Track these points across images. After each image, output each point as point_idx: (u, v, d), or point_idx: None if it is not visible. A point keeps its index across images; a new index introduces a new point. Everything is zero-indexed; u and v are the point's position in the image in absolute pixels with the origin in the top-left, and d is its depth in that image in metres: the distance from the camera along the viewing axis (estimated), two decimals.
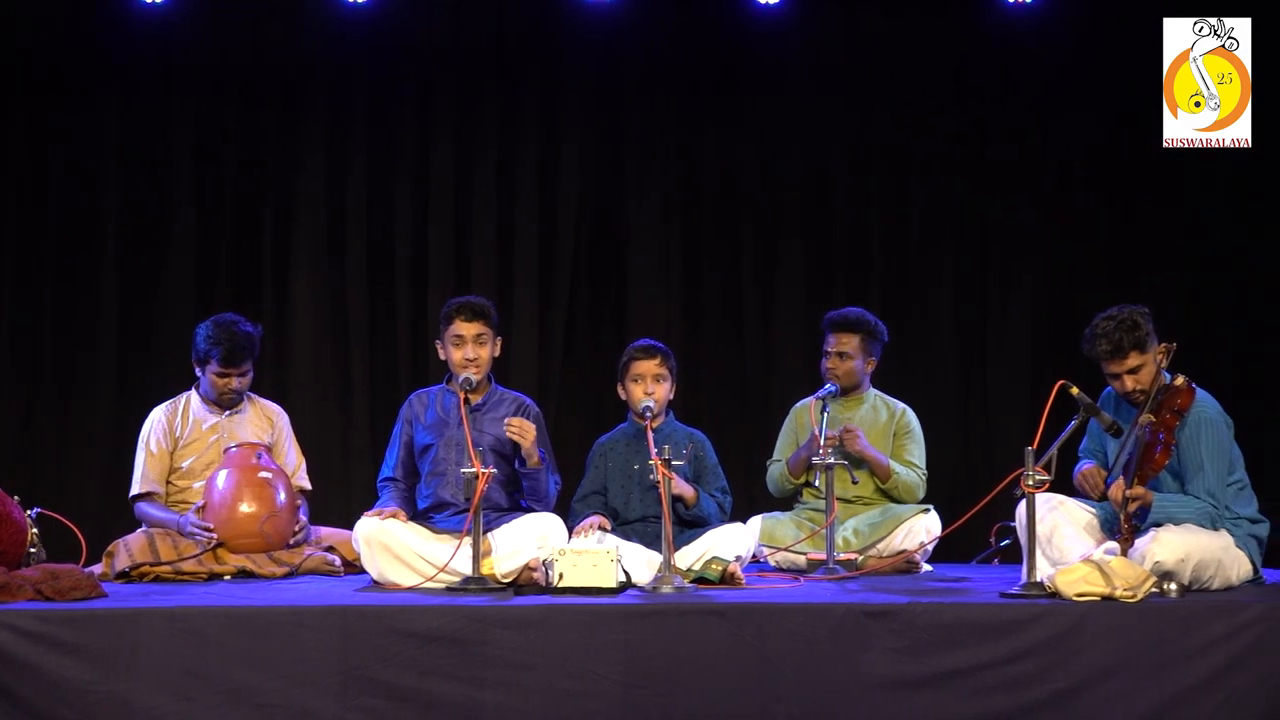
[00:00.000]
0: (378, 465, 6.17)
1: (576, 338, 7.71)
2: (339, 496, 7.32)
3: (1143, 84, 7.29)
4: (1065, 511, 5.55)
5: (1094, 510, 5.59)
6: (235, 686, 4.73)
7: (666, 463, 5.28)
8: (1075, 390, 5.34)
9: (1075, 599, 4.97)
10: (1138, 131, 7.47)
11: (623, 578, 5.28)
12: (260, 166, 7.62)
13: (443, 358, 5.96)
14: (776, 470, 6.47)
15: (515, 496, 5.88)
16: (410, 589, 5.39)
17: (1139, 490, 5.26)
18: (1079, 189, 7.74)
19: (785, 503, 6.56)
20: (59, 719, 4.69)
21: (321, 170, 7.61)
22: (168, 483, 6.24)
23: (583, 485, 6.07)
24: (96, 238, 7.50)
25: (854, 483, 6.17)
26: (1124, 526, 5.25)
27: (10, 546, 5.51)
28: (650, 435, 5.60)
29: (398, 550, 5.54)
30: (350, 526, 5.82)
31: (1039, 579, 5.14)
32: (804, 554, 6.06)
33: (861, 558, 6.11)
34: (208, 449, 6.24)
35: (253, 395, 6.43)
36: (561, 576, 5.20)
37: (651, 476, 5.36)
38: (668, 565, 5.24)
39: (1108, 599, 4.96)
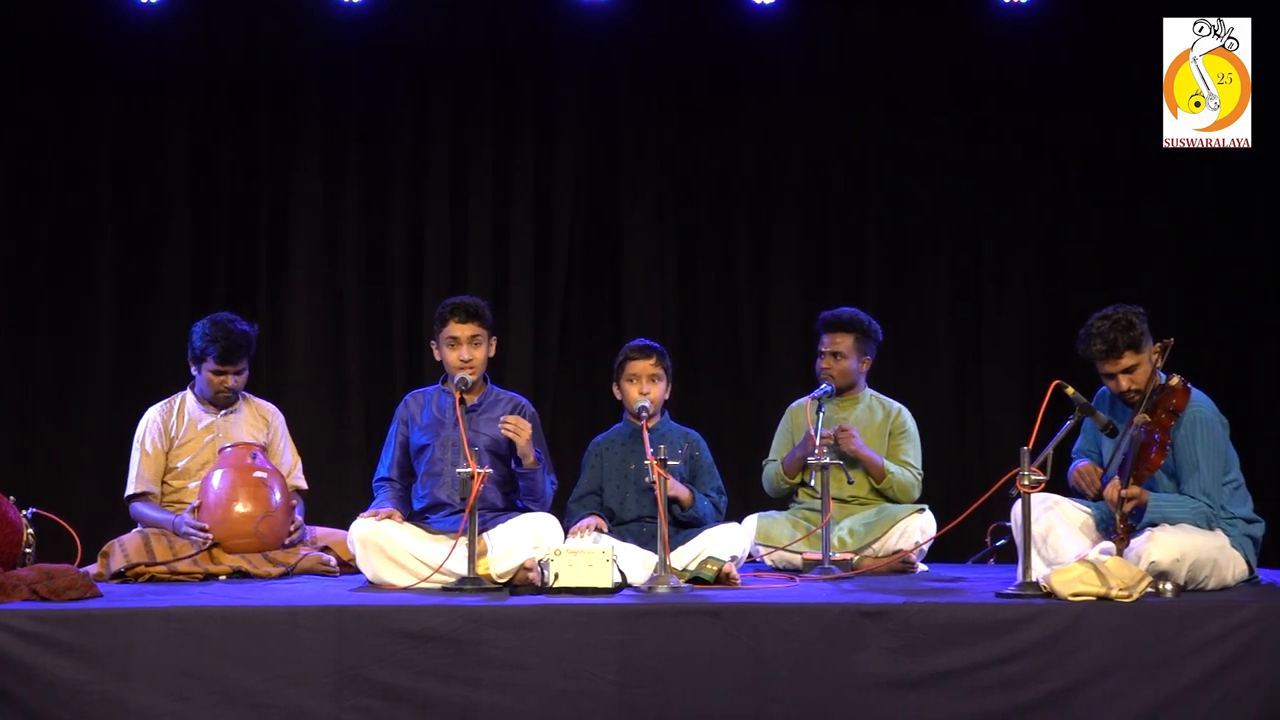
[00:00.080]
0: (373, 465, 6.17)
1: (572, 337, 7.71)
2: (334, 496, 7.30)
3: (1141, 84, 7.30)
4: (1060, 511, 5.55)
5: (1089, 510, 5.59)
6: (230, 686, 4.73)
7: (662, 463, 5.28)
8: (1070, 390, 5.34)
9: (1071, 599, 4.97)
10: (1134, 131, 7.48)
11: (618, 578, 5.28)
12: (255, 166, 7.61)
13: (438, 358, 5.96)
14: (772, 470, 6.47)
15: (511, 497, 5.88)
16: (406, 589, 5.39)
17: (1134, 490, 5.27)
18: (1074, 189, 7.75)
19: (781, 502, 6.56)
20: (54, 719, 4.68)
21: (317, 170, 7.61)
22: (163, 483, 6.23)
23: (578, 485, 6.07)
24: (91, 238, 7.49)
25: (849, 482, 6.18)
26: (1119, 526, 5.25)
27: (5, 546, 5.50)
28: (646, 435, 5.60)
29: (393, 551, 5.54)
30: (346, 526, 5.82)
31: (1034, 579, 5.14)
32: (800, 554, 6.07)
33: (857, 558, 6.11)
34: (203, 449, 6.24)
35: (248, 395, 6.43)
36: (557, 576, 5.20)
37: (648, 479, 5.36)
38: (663, 565, 5.24)
39: (1103, 599, 4.97)
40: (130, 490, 6.22)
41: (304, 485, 6.40)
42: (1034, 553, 5.26)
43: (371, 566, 5.55)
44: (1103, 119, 7.66)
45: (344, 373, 7.61)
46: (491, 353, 5.95)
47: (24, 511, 5.72)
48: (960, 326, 7.76)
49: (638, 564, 5.53)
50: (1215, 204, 7.66)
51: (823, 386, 6.33)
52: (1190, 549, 5.21)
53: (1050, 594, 5.03)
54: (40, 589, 4.99)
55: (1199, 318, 7.58)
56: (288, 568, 5.90)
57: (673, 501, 5.75)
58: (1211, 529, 5.34)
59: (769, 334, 7.74)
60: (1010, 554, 6.02)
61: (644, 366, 5.95)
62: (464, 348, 5.83)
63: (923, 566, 6.27)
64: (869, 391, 6.55)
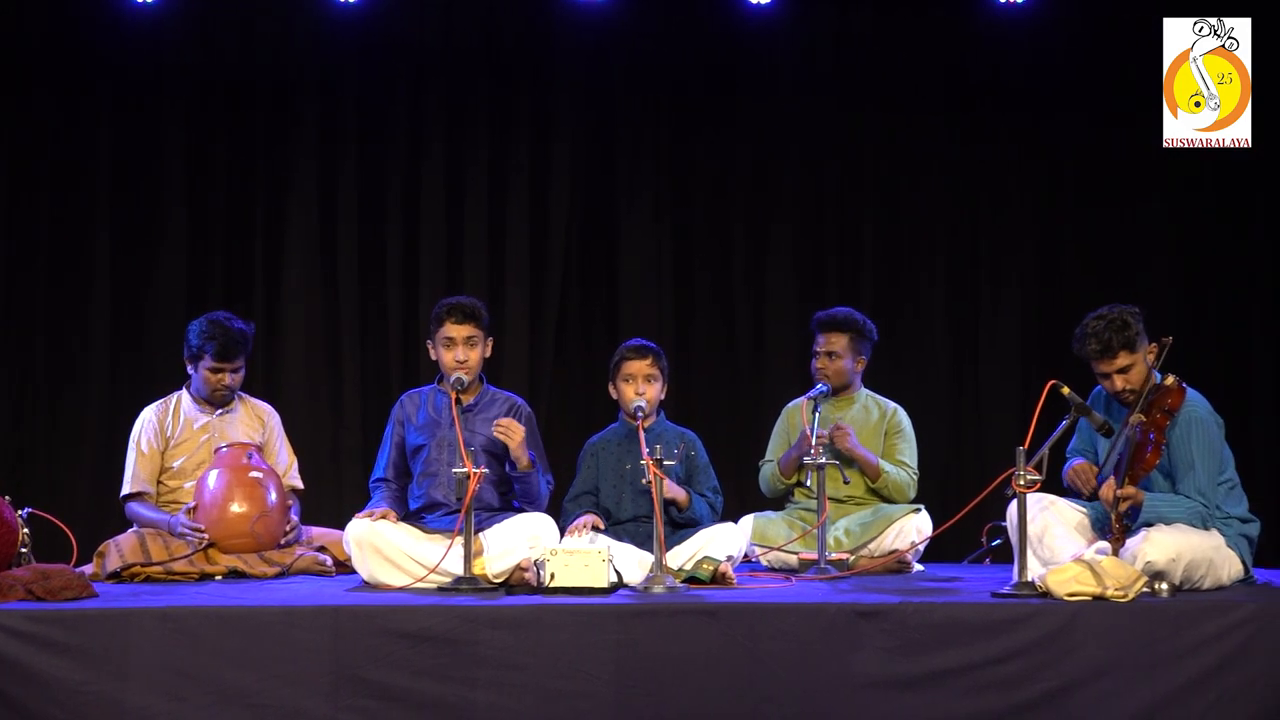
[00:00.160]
0: (369, 465, 6.17)
1: (567, 337, 7.71)
2: (330, 496, 7.31)
3: (1139, 84, 7.31)
4: (1056, 511, 5.55)
5: (1085, 510, 5.60)
6: (226, 686, 4.73)
7: (658, 463, 5.29)
8: (1066, 390, 5.34)
9: (1066, 599, 4.97)
10: (1132, 131, 7.49)
11: (614, 578, 5.28)
12: (251, 166, 7.61)
13: (433, 358, 5.96)
14: (769, 471, 6.48)
15: (507, 496, 5.87)
16: (402, 589, 5.39)
17: (1130, 490, 5.27)
18: (1071, 189, 7.75)
19: (777, 502, 6.56)
20: (50, 719, 4.68)
21: (313, 170, 7.60)
22: (159, 483, 6.23)
23: (574, 485, 6.07)
24: (87, 238, 7.49)
25: (845, 482, 6.18)
26: (1115, 526, 5.25)
27: (1, 546, 5.49)
28: (642, 435, 5.60)
29: (389, 552, 5.54)
30: (342, 526, 5.81)
31: (1030, 579, 5.14)
32: (795, 554, 6.07)
33: (853, 557, 6.11)
34: (199, 449, 6.23)
35: (244, 395, 6.43)
36: (553, 576, 5.20)
37: (644, 479, 5.36)
38: (659, 565, 5.24)
39: (1099, 599, 4.97)
40: (126, 490, 6.22)
41: (300, 485, 6.41)
42: (1030, 552, 5.26)
43: (367, 566, 5.55)
44: (1100, 119, 7.66)
45: (340, 373, 7.61)
46: (487, 353, 5.95)
47: (20, 511, 5.71)
48: (956, 326, 7.77)
49: (634, 564, 5.53)
50: (1215, 204, 7.66)
51: (818, 386, 6.34)
52: (1186, 549, 5.22)
53: (1046, 594, 5.03)
54: (36, 589, 4.99)
55: (1197, 317, 7.59)
56: (283, 568, 5.89)
57: (670, 503, 5.75)
58: (1207, 529, 5.35)
59: (765, 334, 7.74)
60: (1006, 554, 6.03)
61: (640, 367, 5.96)
62: (460, 348, 5.83)
63: (918, 566, 6.27)
64: (864, 391, 6.55)
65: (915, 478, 6.41)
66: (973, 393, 7.75)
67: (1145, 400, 5.37)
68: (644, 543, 5.65)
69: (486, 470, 5.47)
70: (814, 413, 6.12)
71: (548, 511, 5.79)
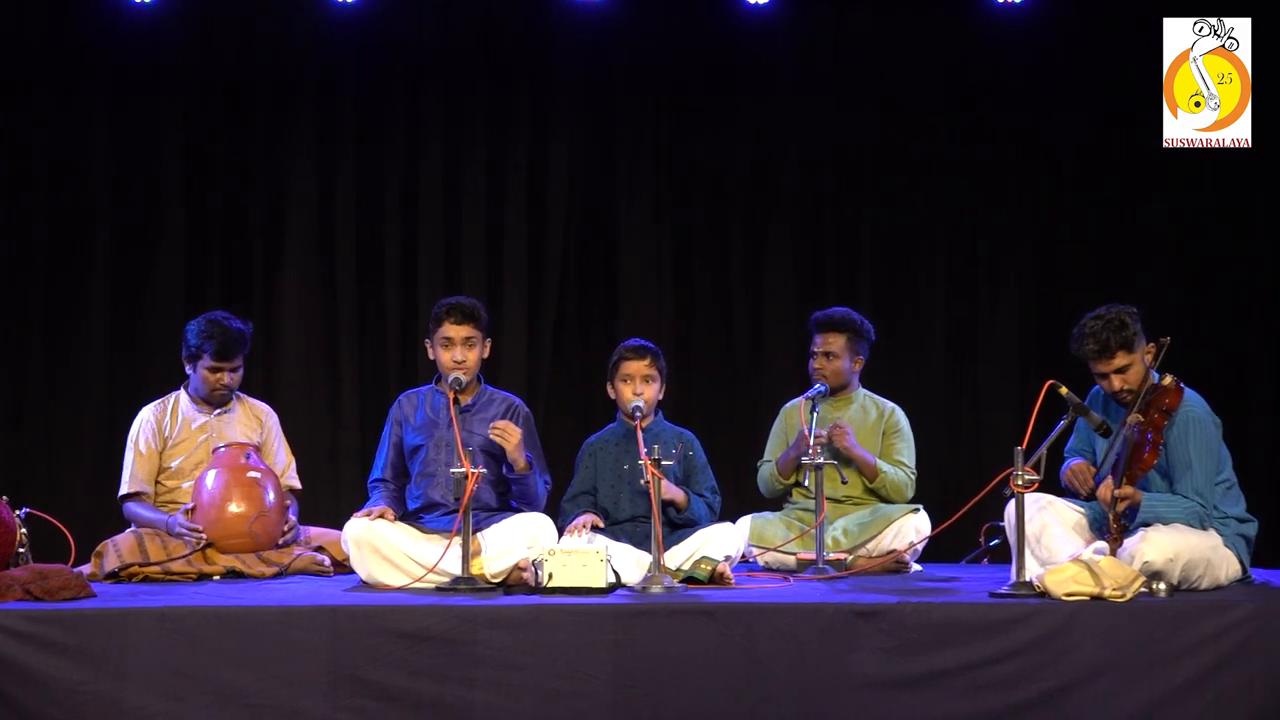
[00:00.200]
0: (367, 465, 6.16)
1: (566, 337, 7.71)
2: (328, 496, 7.31)
3: (1138, 84, 7.32)
4: (1054, 511, 5.55)
5: (1083, 510, 5.60)
6: (224, 686, 4.73)
7: (656, 463, 5.29)
8: (1064, 390, 5.34)
9: (1064, 599, 4.98)
10: (1131, 131, 7.50)
11: (612, 578, 5.27)
12: (249, 166, 7.61)
13: (431, 357, 5.96)
14: (767, 471, 6.47)
15: (505, 497, 5.87)
16: (400, 589, 5.39)
17: (1128, 490, 5.27)
18: (1069, 189, 7.75)
19: (774, 503, 6.56)
20: (48, 719, 4.68)
21: (310, 170, 7.60)
22: (156, 483, 6.23)
23: (572, 485, 6.07)
24: (85, 238, 7.48)
25: (843, 482, 6.18)
26: (1113, 526, 5.26)
27: None
28: (640, 436, 5.60)
29: (387, 551, 5.54)
30: (340, 526, 5.80)
31: (1028, 579, 5.14)
32: (793, 554, 6.06)
33: (851, 557, 6.11)
34: (197, 449, 6.23)
35: (242, 395, 6.42)
36: (551, 576, 5.19)
37: (642, 480, 5.36)
38: (657, 565, 5.24)
39: (1097, 598, 4.97)
40: (124, 490, 6.21)
41: (298, 485, 6.40)
42: (1028, 552, 5.26)
43: (365, 566, 5.55)
44: (1099, 119, 7.66)
45: (337, 373, 7.61)
46: (485, 354, 5.95)
47: (18, 511, 5.71)
48: (955, 326, 7.77)
49: (632, 564, 5.53)
50: (1214, 204, 7.66)
51: (816, 386, 6.33)
52: (1183, 549, 5.22)
53: (1044, 594, 5.04)
54: (34, 589, 4.98)
55: (1195, 317, 7.59)
56: (282, 568, 5.89)
57: (668, 504, 5.75)
58: (1204, 529, 5.35)
59: (764, 334, 7.74)
60: (1004, 554, 6.04)
61: (638, 367, 5.95)
62: (458, 349, 5.83)
63: (916, 566, 6.27)
64: (862, 391, 6.55)
65: (913, 477, 6.41)
66: (971, 393, 7.76)
67: (1143, 400, 5.37)
68: (642, 543, 5.65)
69: (484, 470, 5.47)
70: (812, 413, 6.12)
71: (545, 511, 5.80)
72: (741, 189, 7.77)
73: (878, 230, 7.76)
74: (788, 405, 6.57)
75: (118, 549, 5.83)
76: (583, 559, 5.21)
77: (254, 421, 6.37)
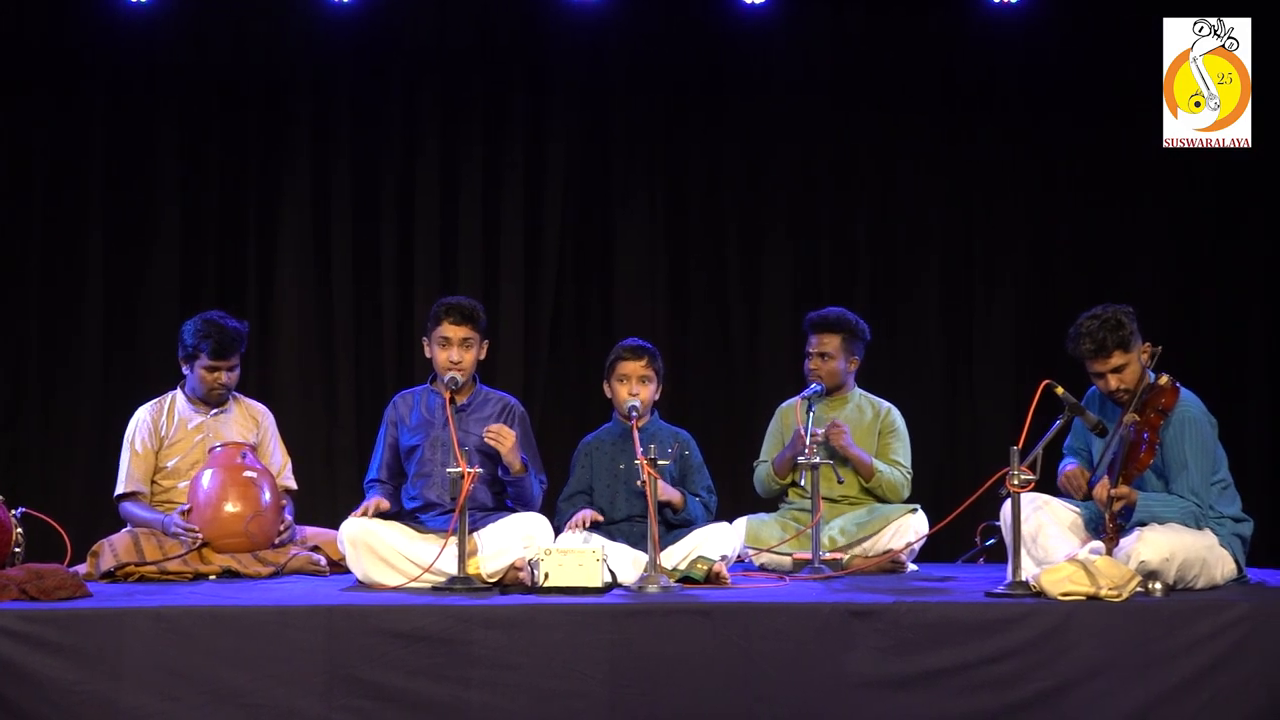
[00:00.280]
0: (363, 465, 6.17)
1: (562, 336, 7.70)
2: (324, 496, 7.30)
3: (1137, 84, 7.33)
4: (1050, 511, 5.56)
5: (1079, 509, 5.60)
6: (220, 686, 4.72)
7: (652, 463, 5.28)
8: (1060, 390, 5.35)
9: (1060, 598, 4.98)
10: (1129, 131, 7.51)
11: (608, 577, 5.28)
12: (245, 166, 7.60)
13: (428, 355, 5.96)
14: (763, 471, 6.47)
15: (501, 496, 5.87)
16: (396, 589, 5.39)
17: (1124, 489, 5.27)
18: (1067, 188, 7.75)
19: (770, 503, 6.56)
20: (43, 718, 4.67)
21: (306, 169, 7.59)
22: (153, 482, 6.22)
23: (568, 485, 6.06)
24: (81, 237, 7.48)
25: (839, 482, 6.18)
26: (1109, 526, 5.26)
27: None
28: (636, 436, 5.60)
29: (383, 551, 5.54)
30: (336, 526, 5.81)
31: (1024, 578, 5.14)
32: (789, 554, 6.06)
33: (847, 557, 6.12)
34: (193, 448, 6.22)
35: (238, 395, 6.42)
36: (547, 576, 5.19)
37: (639, 481, 5.35)
38: (653, 565, 5.24)
39: (1093, 598, 4.97)
40: (120, 490, 6.21)
41: (293, 486, 6.40)
42: (1024, 552, 5.26)
43: (361, 566, 5.55)
44: (1096, 119, 7.67)
45: (334, 372, 7.60)
46: (482, 356, 5.95)
47: (13, 511, 5.71)
48: (951, 326, 7.77)
49: (628, 563, 5.53)
50: (1214, 204, 7.66)
51: (812, 386, 6.33)
52: (1179, 548, 5.22)
53: (1040, 593, 5.04)
54: (30, 589, 4.98)
55: (1194, 317, 7.59)
56: (277, 567, 5.89)
57: (664, 505, 5.75)
58: (1200, 528, 5.35)
59: (760, 334, 7.74)
60: (1000, 553, 6.04)
61: (635, 368, 5.95)
62: (455, 349, 5.83)
63: (912, 566, 6.27)
64: (858, 391, 6.55)
65: (909, 477, 6.41)
66: (967, 392, 7.76)
67: (1139, 400, 5.38)
68: (638, 542, 5.65)
69: (480, 470, 5.47)
70: (808, 412, 6.12)
71: (542, 511, 5.80)
72: (737, 188, 7.76)
73: (874, 230, 7.76)
74: (783, 405, 6.57)
75: (113, 549, 5.83)
76: (579, 559, 5.21)
77: (250, 422, 6.36)
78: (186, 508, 5.97)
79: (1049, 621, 4.90)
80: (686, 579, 5.50)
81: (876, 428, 6.45)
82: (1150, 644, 4.90)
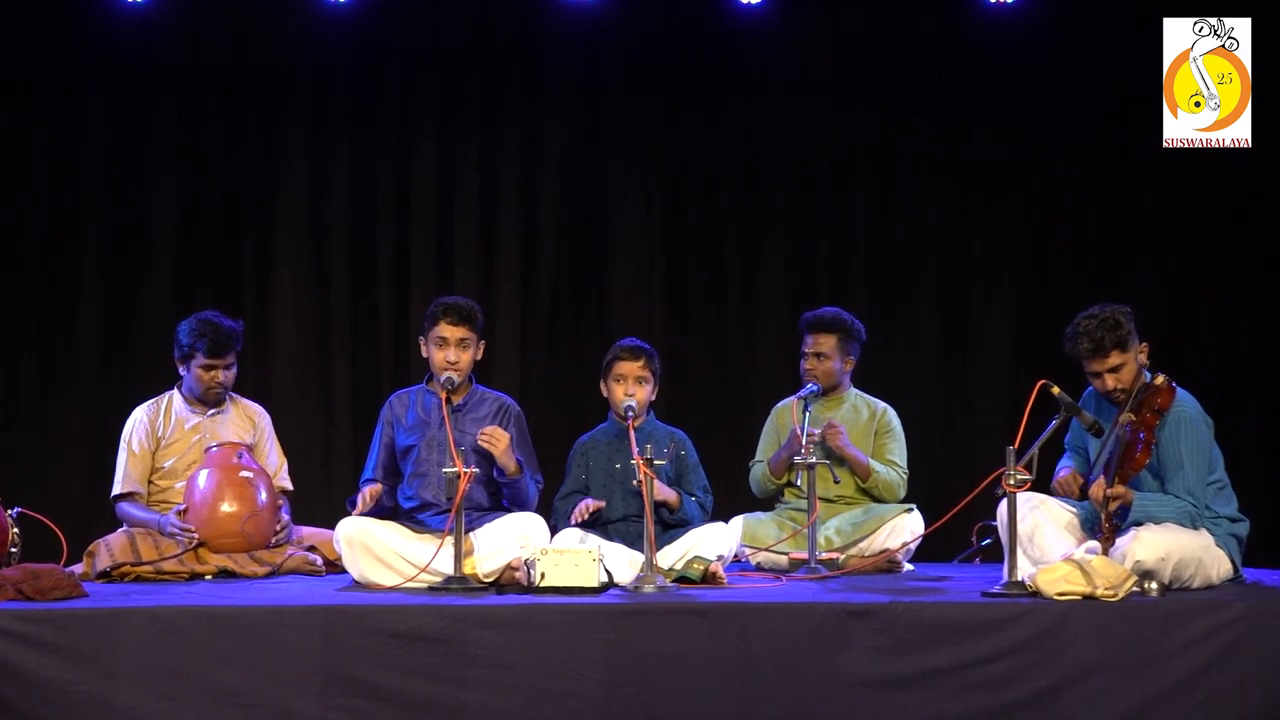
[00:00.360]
0: (359, 465, 6.17)
1: (559, 335, 7.70)
2: (321, 496, 7.29)
3: (1136, 83, 7.33)
4: (1046, 511, 5.56)
5: (1075, 509, 5.60)
6: (216, 686, 4.73)
7: (649, 462, 5.28)
8: (1056, 390, 5.35)
9: (1056, 598, 4.98)
10: (1128, 131, 7.50)
11: (605, 577, 5.28)
12: (242, 165, 7.60)
13: (424, 354, 5.96)
14: (759, 471, 6.47)
15: (497, 496, 5.88)
16: (392, 589, 5.39)
17: (1120, 489, 5.28)
18: (1065, 188, 7.75)
19: (767, 502, 6.56)
20: (39, 718, 4.68)
21: (303, 169, 7.59)
22: (149, 483, 6.22)
23: (564, 485, 6.06)
24: (78, 237, 7.47)
25: (836, 482, 6.19)
26: (1105, 525, 5.26)
27: None
28: (632, 435, 5.60)
29: (379, 551, 5.54)
30: (332, 526, 5.81)
31: (1020, 578, 5.15)
32: (786, 553, 6.07)
33: (843, 557, 6.12)
34: (190, 449, 6.22)
35: (235, 395, 6.42)
36: (543, 576, 5.19)
37: (635, 480, 5.35)
38: (650, 565, 5.24)
39: (1089, 598, 4.98)
40: (116, 490, 6.21)
41: (290, 486, 6.40)
42: (1020, 552, 5.27)
43: (358, 566, 5.55)
44: (1095, 119, 7.66)
45: (330, 372, 7.60)
46: (479, 356, 5.95)
47: (9, 511, 5.72)
48: (948, 326, 7.76)
49: (624, 563, 5.53)
50: (1214, 204, 7.66)
51: (809, 386, 6.33)
52: (1175, 548, 5.22)
53: (1036, 593, 5.04)
54: (26, 589, 4.98)
55: (1186, 317, 7.59)
56: (274, 567, 5.89)
57: (660, 505, 5.75)
58: (1196, 528, 5.36)
59: (757, 334, 7.74)
60: (996, 553, 6.04)
61: (632, 368, 5.95)
62: (452, 349, 5.84)
63: (909, 566, 6.27)
64: (854, 391, 6.55)
65: (905, 477, 6.41)
66: (963, 392, 7.75)
67: (1135, 400, 5.38)
68: (634, 542, 5.65)
69: (476, 470, 5.47)
70: (804, 412, 6.12)
71: (538, 511, 5.80)
72: (734, 188, 7.76)
73: (871, 230, 7.76)
74: (779, 405, 6.57)
75: (110, 548, 5.83)
76: (575, 558, 5.21)
77: (247, 422, 6.36)
78: (183, 508, 5.97)
79: (1045, 621, 4.90)
80: (683, 579, 5.50)
81: (873, 428, 6.45)
82: (1146, 644, 4.90)
